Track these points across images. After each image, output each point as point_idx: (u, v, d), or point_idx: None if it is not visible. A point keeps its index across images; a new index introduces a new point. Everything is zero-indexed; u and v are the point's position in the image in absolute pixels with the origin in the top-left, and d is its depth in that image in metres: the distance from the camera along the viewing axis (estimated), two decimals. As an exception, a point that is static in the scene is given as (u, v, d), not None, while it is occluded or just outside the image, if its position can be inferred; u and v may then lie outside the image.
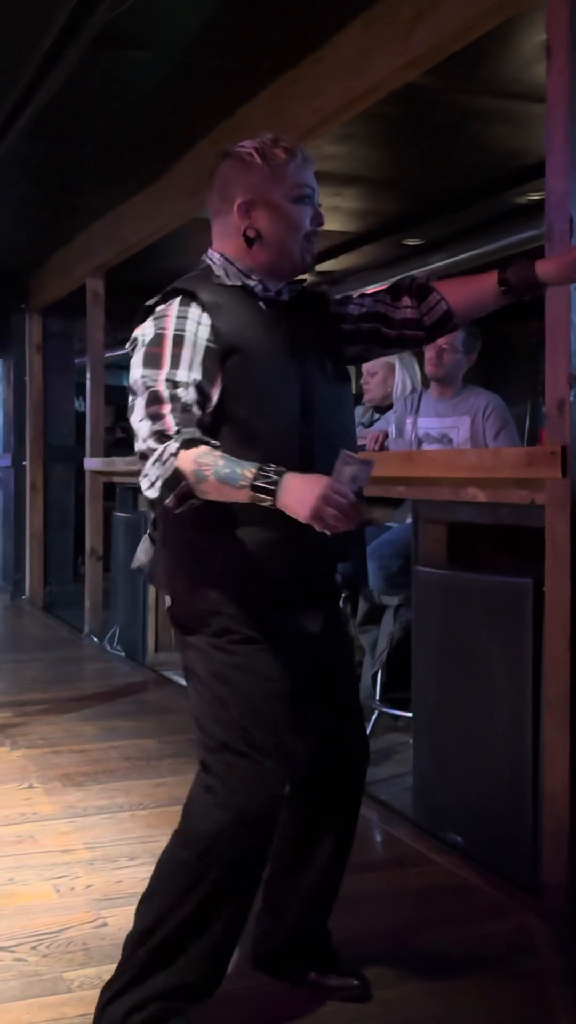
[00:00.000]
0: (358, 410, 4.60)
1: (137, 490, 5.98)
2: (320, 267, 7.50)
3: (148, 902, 1.97)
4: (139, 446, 1.79)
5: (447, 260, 6.40)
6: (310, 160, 2.00)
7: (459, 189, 5.71)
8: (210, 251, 2.04)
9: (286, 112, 4.08)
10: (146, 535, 2.10)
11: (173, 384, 1.81)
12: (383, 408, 4.51)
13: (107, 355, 7.03)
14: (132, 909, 2.53)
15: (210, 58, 3.97)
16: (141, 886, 2.66)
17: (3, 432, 8.91)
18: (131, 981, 1.91)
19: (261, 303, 1.98)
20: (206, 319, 1.88)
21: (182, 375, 1.82)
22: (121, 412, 11.39)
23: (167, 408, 1.79)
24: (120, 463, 6.23)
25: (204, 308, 1.88)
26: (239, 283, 1.97)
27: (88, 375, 6.77)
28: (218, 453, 1.75)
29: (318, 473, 1.74)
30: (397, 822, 3.24)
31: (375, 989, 2.19)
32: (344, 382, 2.10)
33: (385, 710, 3.79)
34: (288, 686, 1.96)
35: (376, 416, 4.59)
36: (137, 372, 1.86)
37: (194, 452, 1.74)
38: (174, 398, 1.80)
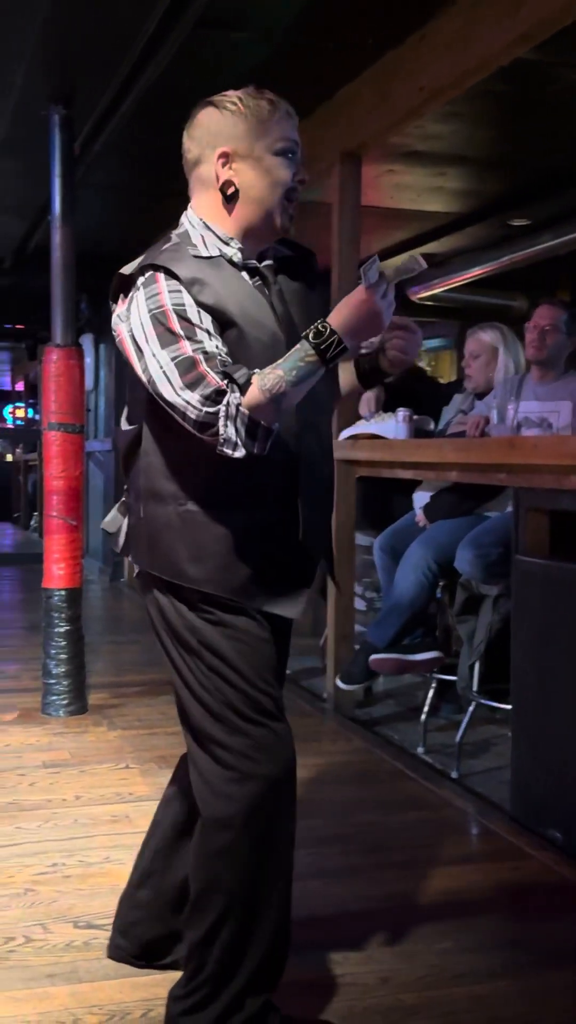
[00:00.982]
0: (457, 397, 4.55)
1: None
2: (423, 249, 7.42)
3: (200, 908, 1.88)
4: (195, 416, 1.70)
5: (554, 241, 6.28)
6: (293, 115, 1.92)
7: (568, 167, 5.59)
8: (189, 213, 1.96)
9: (390, 91, 4.05)
10: (120, 503, 2.04)
11: (203, 352, 1.73)
12: (483, 394, 4.45)
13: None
14: (224, 893, 2.58)
15: (313, 38, 3.96)
16: (234, 870, 2.72)
17: (104, 416, 9.05)
18: (214, 985, 1.86)
19: (244, 273, 1.90)
20: (187, 297, 1.78)
21: (210, 346, 1.74)
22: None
23: (203, 367, 1.71)
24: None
25: (183, 284, 1.79)
26: (216, 253, 1.88)
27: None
28: (268, 369, 1.73)
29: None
30: (494, 816, 3.21)
31: (467, 984, 2.18)
32: None
33: (483, 702, 3.75)
34: (274, 653, 1.91)
35: (477, 403, 4.53)
36: (159, 354, 1.75)
37: (255, 386, 1.71)
38: (208, 359, 1.72)
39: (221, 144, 1.88)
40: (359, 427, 4.36)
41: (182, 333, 1.74)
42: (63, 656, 4.33)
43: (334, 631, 4.48)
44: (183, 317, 1.76)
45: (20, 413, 17.27)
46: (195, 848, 1.91)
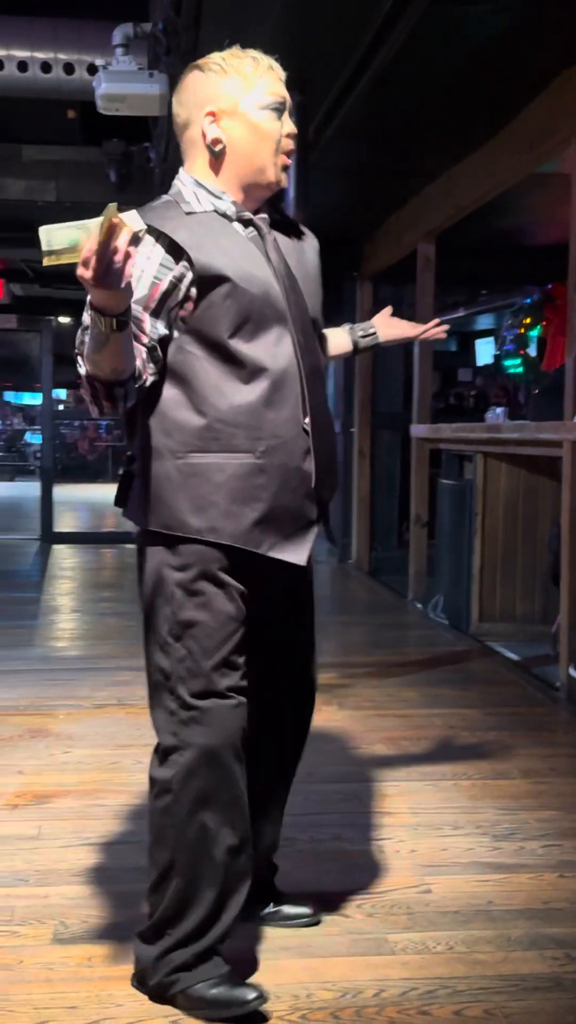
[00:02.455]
0: None
1: (464, 458, 5.95)
2: None
3: (151, 860, 2.02)
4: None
5: None
6: (278, 70, 1.97)
7: None
8: (181, 173, 2.01)
9: None
10: (122, 471, 2.08)
11: None
12: None
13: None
14: (457, 878, 2.58)
15: (551, 7, 3.82)
16: (466, 856, 2.70)
17: (333, 399, 9.13)
18: (162, 927, 1.99)
19: (237, 224, 1.96)
20: (159, 252, 1.86)
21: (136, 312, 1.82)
22: (448, 378, 11.37)
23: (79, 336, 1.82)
24: (447, 430, 6.21)
25: (159, 241, 1.87)
26: (210, 208, 1.95)
27: (417, 341, 6.78)
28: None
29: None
30: None
31: None
32: (319, 309, 2.08)
33: None
34: (243, 626, 1.97)
35: None
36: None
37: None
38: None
39: (208, 104, 1.94)
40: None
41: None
42: (294, 635, 4.39)
43: (567, 619, 4.35)
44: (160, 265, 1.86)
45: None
46: (148, 803, 2.03)
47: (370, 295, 8.25)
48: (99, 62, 5.81)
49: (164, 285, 1.87)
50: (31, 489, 12.12)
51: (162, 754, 1.99)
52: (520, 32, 4.03)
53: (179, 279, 1.89)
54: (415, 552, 6.80)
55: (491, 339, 12.51)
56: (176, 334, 1.92)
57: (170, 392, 1.93)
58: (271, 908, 2.31)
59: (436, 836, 2.84)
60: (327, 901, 2.44)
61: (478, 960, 2.20)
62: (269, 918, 2.31)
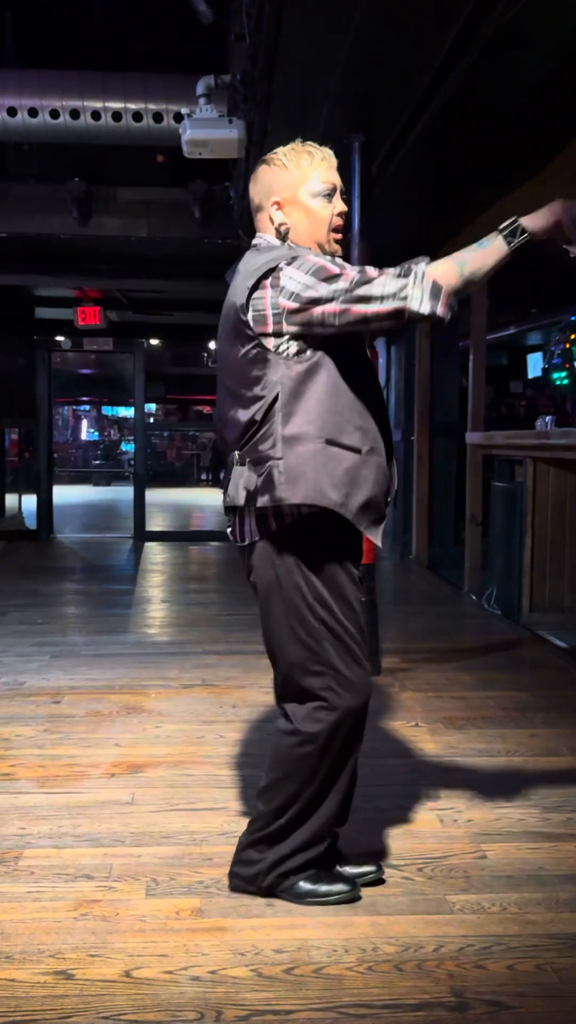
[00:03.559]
0: None
1: (515, 462, 5.88)
2: None
3: (275, 789, 2.17)
4: (390, 289, 1.93)
5: None
6: (330, 158, 2.14)
7: None
8: (266, 236, 2.16)
9: None
10: (230, 484, 2.11)
11: (360, 269, 1.98)
12: None
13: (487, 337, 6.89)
14: (510, 845, 2.55)
15: (595, 48, 3.76)
16: (518, 826, 2.67)
17: (394, 410, 9.09)
18: (272, 842, 2.19)
19: None
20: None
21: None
22: (500, 390, 11.23)
23: (371, 269, 1.97)
24: (499, 437, 6.13)
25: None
26: None
27: (471, 356, 6.72)
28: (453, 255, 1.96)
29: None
30: None
31: None
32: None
33: None
34: (359, 606, 2.15)
35: None
36: (334, 284, 1.96)
37: (438, 262, 1.95)
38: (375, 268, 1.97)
39: (274, 195, 2.14)
40: None
41: (337, 271, 1.98)
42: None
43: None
44: (335, 263, 2.02)
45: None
46: (279, 746, 2.17)
47: (428, 315, 8.16)
48: (184, 111, 5.85)
49: None
50: (126, 493, 12.27)
51: (309, 712, 2.12)
52: (564, 75, 3.96)
53: None
54: (470, 548, 6.73)
55: (540, 354, 12.35)
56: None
57: (316, 388, 2.04)
58: (337, 868, 2.32)
59: (490, 807, 2.81)
60: (391, 864, 2.44)
61: (529, 920, 2.17)
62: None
